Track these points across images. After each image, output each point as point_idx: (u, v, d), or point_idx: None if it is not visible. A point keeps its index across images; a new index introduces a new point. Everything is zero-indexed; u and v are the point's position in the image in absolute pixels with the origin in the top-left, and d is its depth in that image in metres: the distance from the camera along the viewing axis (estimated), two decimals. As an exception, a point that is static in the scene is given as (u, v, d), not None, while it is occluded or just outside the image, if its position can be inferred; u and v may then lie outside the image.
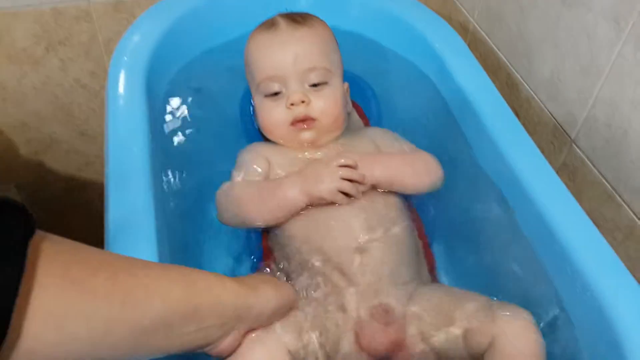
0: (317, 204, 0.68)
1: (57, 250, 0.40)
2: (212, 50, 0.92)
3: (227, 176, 0.74)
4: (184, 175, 0.75)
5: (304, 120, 0.73)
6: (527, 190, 0.68)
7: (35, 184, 1.18)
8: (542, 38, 0.83)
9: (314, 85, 0.73)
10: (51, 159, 1.17)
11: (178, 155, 0.77)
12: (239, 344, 0.54)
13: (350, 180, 0.68)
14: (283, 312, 0.58)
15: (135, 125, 0.72)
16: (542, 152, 0.85)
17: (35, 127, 1.11)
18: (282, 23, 0.75)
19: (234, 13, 0.93)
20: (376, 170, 0.70)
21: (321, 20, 0.78)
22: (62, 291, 0.38)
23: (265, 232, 0.73)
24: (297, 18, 0.75)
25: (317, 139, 0.75)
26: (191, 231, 0.73)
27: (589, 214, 0.77)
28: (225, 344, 0.52)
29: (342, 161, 0.69)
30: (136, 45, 0.83)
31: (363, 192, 0.69)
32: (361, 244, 0.66)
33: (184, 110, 0.82)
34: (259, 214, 0.69)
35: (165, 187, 0.69)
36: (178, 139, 0.78)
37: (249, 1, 0.94)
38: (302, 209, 0.69)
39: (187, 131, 0.80)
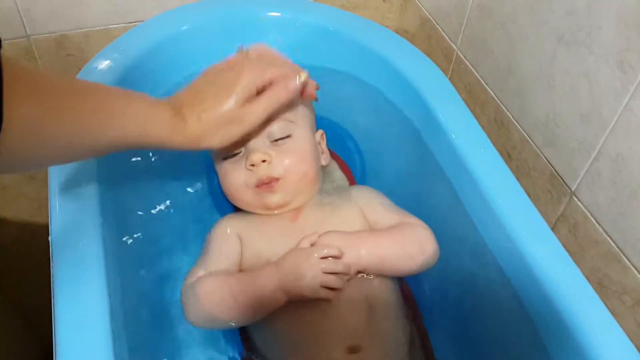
0: (298, 300, 0.60)
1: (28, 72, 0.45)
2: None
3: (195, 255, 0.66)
4: (146, 260, 0.66)
5: (269, 182, 0.64)
6: (527, 260, 0.61)
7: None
8: (534, 76, 0.76)
9: (277, 139, 0.64)
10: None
11: (136, 241, 0.67)
12: None
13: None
14: None
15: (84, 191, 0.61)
16: (538, 199, 0.80)
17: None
18: None
19: (195, 49, 0.83)
20: (363, 256, 0.62)
21: None
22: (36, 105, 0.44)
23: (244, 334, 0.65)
24: None
25: (287, 201, 0.66)
26: (153, 328, 0.65)
27: (593, 273, 0.72)
28: None
29: (325, 252, 0.60)
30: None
31: (348, 279, 0.62)
32: (350, 344, 0.59)
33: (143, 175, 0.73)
34: (230, 314, 0.60)
35: (119, 278, 0.60)
36: (135, 216, 0.69)
37: (210, 35, 0.84)
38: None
39: (151, 205, 0.71)
